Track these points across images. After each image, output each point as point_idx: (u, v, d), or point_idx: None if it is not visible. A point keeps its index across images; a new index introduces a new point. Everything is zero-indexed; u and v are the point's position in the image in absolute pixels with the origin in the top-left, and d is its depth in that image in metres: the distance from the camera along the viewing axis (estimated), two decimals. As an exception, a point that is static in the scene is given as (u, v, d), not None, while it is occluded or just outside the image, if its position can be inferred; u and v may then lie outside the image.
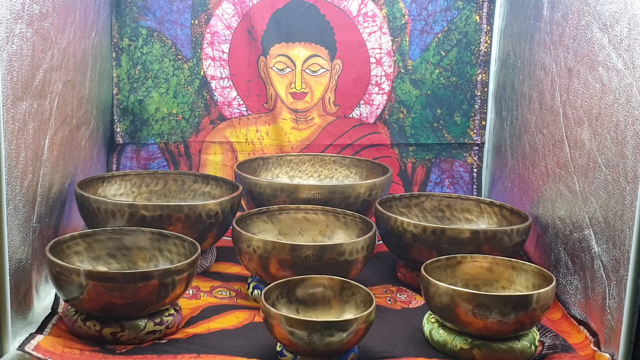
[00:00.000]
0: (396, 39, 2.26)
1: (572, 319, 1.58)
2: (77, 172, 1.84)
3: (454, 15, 2.25)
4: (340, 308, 1.47)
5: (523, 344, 1.42)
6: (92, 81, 1.95)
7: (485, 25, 2.26)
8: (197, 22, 2.21)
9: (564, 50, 1.69)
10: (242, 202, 1.91)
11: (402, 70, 2.28)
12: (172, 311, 1.49)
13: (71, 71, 1.74)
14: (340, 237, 1.78)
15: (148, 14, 2.17)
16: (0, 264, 1.30)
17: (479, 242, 1.66)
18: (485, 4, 2.24)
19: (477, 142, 2.32)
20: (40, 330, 1.42)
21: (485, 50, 2.27)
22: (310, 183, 2.13)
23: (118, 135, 2.22)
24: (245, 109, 2.27)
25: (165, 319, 1.46)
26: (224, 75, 2.23)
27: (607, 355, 1.38)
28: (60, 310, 1.53)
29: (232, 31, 2.23)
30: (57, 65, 1.63)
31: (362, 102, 2.29)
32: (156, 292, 1.40)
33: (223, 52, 2.23)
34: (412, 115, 2.30)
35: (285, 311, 1.42)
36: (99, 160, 2.11)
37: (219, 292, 1.70)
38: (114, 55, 2.18)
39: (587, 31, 1.55)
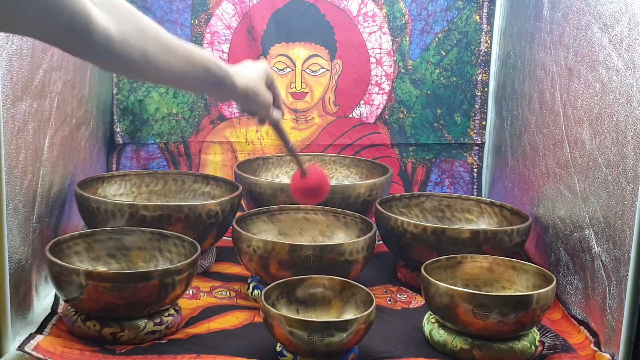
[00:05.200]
0: (396, 39, 2.26)
1: (572, 319, 1.58)
2: (77, 172, 1.84)
3: (454, 15, 2.25)
4: (340, 308, 1.47)
5: (523, 344, 1.42)
6: (92, 81, 1.95)
7: (485, 25, 2.25)
8: (197, 22, 2.21)
9: (564, 50, 1.68)
10: (242, 202, 1.91)
11: (402, 70, 2.28)
12: (172, 311, 1.49)
13: (71, 71, 1.74)
14: (340, 237, 1.78)
15: (148, 13, 2.17)
16: (0, 264, 1.29)
17: (479, 242, 1.65)
18: (486, 3, 2.24)
19: (477, 142, 2.31)
20: (40, 330, 1.42)
21: (486, 50, 2.26)
22: (310, 183, 2.12)
23: (118, 135, 2.22)
24: (245, 108, 2.26)
25: (165, 319, 1.46)
26: (224, 75, 2.22)
27: (608, 356, 1.38)
28: (60, 310, 1.53)
29: (232, 31, 2.23)
30: (57, 65, 1.62)
31: (362, 102, 2.29)
32: (156, 292, 1.40)
33: (223, 52, 2.23)
34: (412, 115, 2.30)
35: (285, 311, 1.42)
36: (98, 160, 2.11)
37: (219, 292, 1.70)
38: (114, 55, 2.17)
39: (588, 31, 1.55)
